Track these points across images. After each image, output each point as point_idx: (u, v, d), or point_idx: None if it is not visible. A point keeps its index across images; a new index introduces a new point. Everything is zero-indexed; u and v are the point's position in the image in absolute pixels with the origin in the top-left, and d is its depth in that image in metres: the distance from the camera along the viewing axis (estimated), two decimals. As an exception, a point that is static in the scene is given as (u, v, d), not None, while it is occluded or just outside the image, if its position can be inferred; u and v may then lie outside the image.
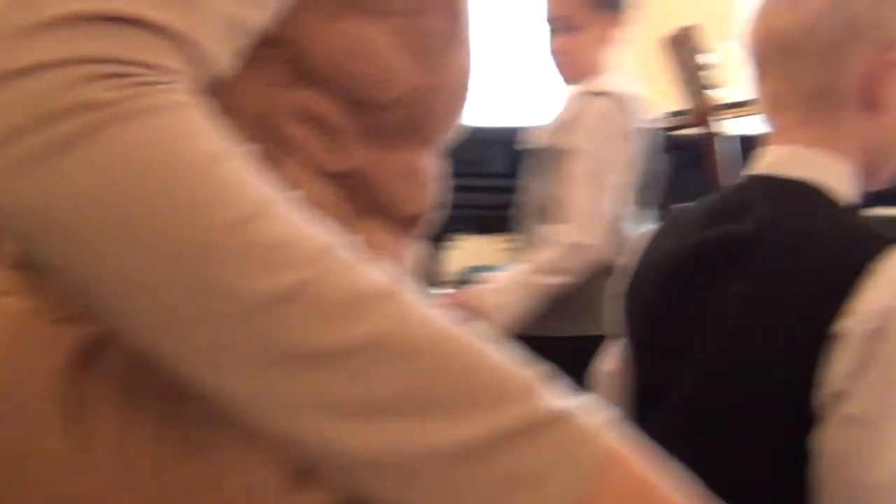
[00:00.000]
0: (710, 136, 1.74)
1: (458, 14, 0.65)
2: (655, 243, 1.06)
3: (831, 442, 0.85)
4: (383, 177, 0.62)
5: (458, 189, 0.88)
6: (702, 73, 1.74)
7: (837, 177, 0.95)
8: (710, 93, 1.75)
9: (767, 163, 0.98)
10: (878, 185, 1.00)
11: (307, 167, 0.57)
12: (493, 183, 4.05)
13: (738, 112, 3.67)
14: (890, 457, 0.84)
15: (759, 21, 0.99)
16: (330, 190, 0.58)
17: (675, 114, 3.70)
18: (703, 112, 1.74)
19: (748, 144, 1.70)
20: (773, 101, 0.99)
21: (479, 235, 4.18)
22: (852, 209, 0.95)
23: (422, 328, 0.44)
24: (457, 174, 0.87)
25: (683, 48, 1.75)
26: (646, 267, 1.06)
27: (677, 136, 3.71)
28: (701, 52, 1.75)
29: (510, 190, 4.32)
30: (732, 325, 0.93)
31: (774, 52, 0.97)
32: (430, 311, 0.45)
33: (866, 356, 0.83)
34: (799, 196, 0.94)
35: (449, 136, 0.68)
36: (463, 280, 2.90)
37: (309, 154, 0.57)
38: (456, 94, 0.66)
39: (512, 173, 4.10)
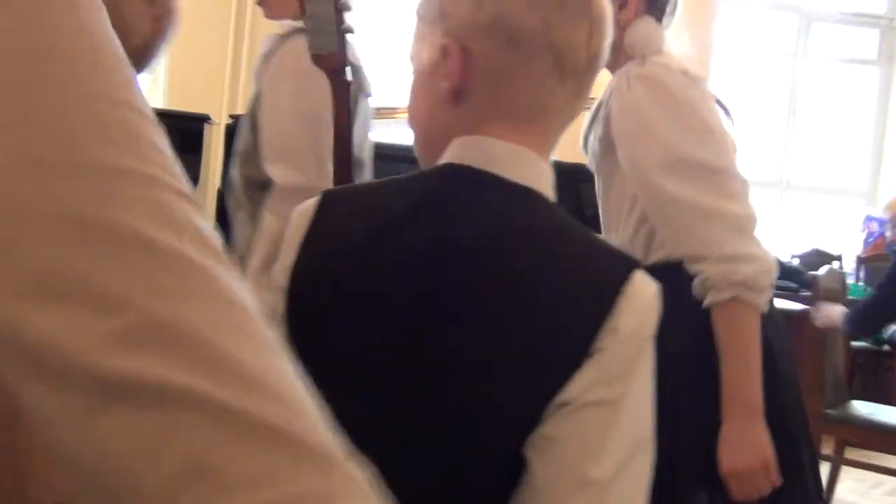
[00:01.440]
0: (346, 85, 1.59)
1: None
2: (343, 224, 0.90)
3: (558, 434, 0.80)
4: None
5: None
6: (342, 13, 1.59)
7: (546, 181, 0.88)
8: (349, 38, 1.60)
9: (477, 156, 0.86)
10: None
11: None
12: None
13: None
14: (616, 452, 0.80)
15: None
16: None
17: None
18: (342, 56, 1.59)
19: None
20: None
21: None
22: (583, 226, 0.87)
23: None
24: None
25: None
26: (339, 250, 0.89)
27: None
28: (340, -9, 1.59)
29: None
30: (479, 332, 0.83)
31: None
32: None
33: (615, 370, 0.80)
34: (527, 204, 0.85)
35: None
36: None
37: None
38: None
39: None
